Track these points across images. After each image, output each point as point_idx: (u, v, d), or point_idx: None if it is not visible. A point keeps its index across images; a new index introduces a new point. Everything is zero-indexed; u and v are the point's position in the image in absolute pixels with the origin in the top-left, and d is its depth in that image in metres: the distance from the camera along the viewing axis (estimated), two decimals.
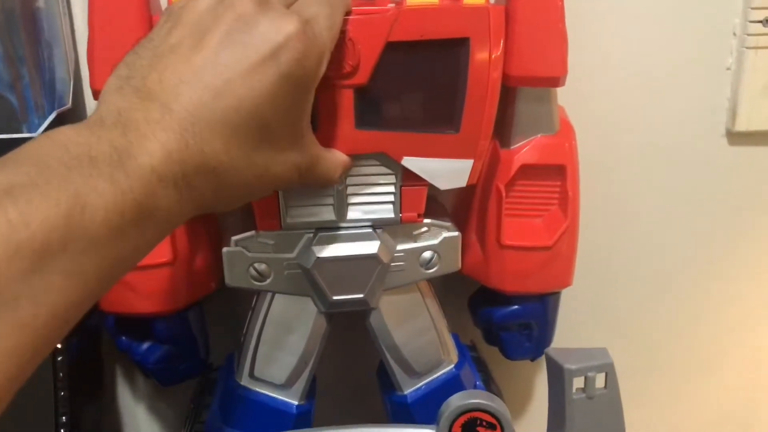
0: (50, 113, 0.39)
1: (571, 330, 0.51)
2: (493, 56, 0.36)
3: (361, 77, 0.34)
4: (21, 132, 0.39)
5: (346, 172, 0.36)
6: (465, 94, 0.36)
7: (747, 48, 0.47)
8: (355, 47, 0.34)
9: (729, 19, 0.47)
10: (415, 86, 0.36)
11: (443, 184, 0.38)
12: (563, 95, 0.41)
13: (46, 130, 0.39)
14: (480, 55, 0.36)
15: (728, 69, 0.48)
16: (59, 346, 0.39)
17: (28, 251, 0.21)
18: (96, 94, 0.37)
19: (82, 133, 0.25)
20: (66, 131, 0.25)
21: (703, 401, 0.56)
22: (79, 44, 0.43)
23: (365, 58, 0.34)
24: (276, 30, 0.27)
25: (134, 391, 0.51)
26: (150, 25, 0.36)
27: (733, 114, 0.49)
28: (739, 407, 0.57)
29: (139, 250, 0.26)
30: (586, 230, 0.46)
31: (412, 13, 0.35)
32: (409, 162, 0.37)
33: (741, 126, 0.49)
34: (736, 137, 0.49)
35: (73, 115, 0.42)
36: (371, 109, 0.36)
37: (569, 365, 0.37)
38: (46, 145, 0.24)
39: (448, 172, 0.38)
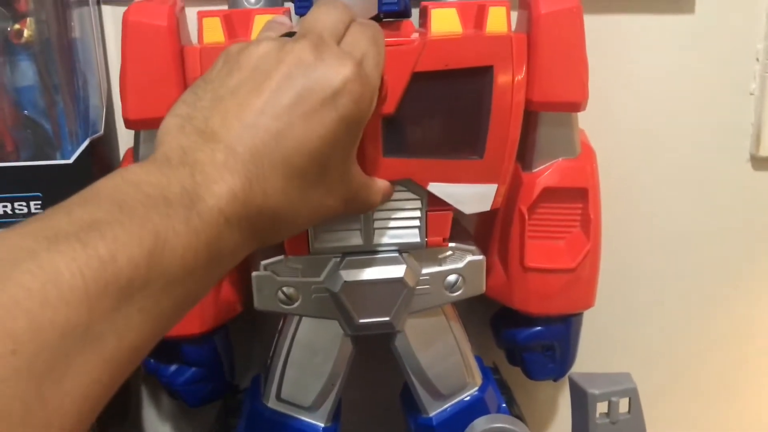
0: (83, 140, 0.41)
1: (595, 353, 0.51)
2: (516, 83, 0.37)
3: (389, 107, 0.35)
4: (55, 158, 0.40)
5: (387, 198, 0.37)
6: (489, 121, 0.37)
7: None
8: (382, 78, 0.35)
9: (752, 45, 0.48)
10: (440, 114, 0.37)
11: (468, 209, 0.38)
12: (587, 119, 0.42)
13: (79, 156, 0.40)
14: (503, 82, 0.36)
15: (752, 94, 0.48)
16: None
17: (114, 288, 0.22)
18: (128, 123, 0.38)
19: (152, 173, 0.26)
20: (136, 170, 0.26)
21: (728, 426, 0.56)
22: (112, 73, 0.44)
23: (392, 89, 0.35)
24: (334, 74, 0.28)
25: (159, 413, 0.52)
26: (180, 56, 0.37)
27: (757, 139, 0.49)
28: None
29: (207, 287, 0.27)
30: (610, 253, 0.47)
31: (437, 44, 0.35)
32: (435, 188, 0.38)
33: (765, 151, 0.49)
34: (760, 162, 0.50)
35: (105, 142, 0.43)
36: (398, 137, 0.36)
37: (593, 390, 0.37)
38: (121, 184, 0.25)
39: (472, 197, 0.38)
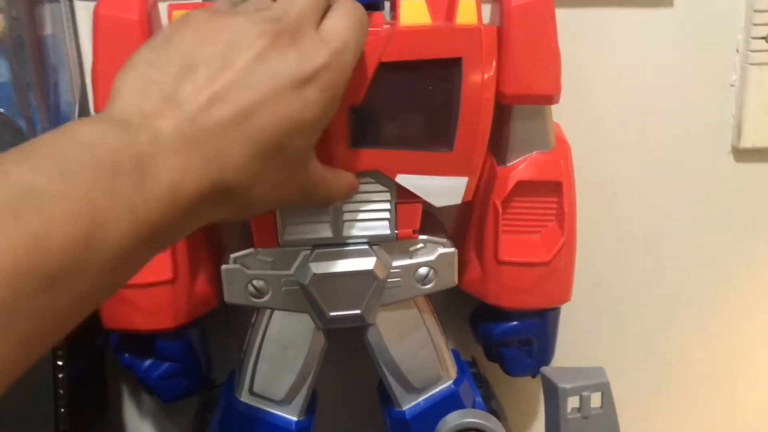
0: None
1: (576, 348, 0.51)
2: (485, 75, 0.37)
3: (355, 97, 0.35)
4: None
5: (352, 192, 0.36)
6: (458, 113, 0.37)
7: (750, 64, 0.47)
8: None
9: (732, 36, 0.47)
10: (408, 105, 0.37)
11: (438, 201, 0.38)
12: (565, 113, 0.42)
13: None
14: (472, 74, 0.36)
15: (732, 85, 0.48)
16: (60, 363, 0.40)
17: (44, 269, 0.21)
18: None
19: (106, 134, 0.24)
20: (88, 129, 0.24)
21: (714, 421, 0.55)
22: (86, 69, 0.45)
23: (358, 79, 0.35)
24: (307, 60, 0.28)
25: (140, 409, 0.52)
26: None
27: (738, 131, 0.48)
28: (753, 428, 0.56)
29: (142, 265, 0.26)
30: (590, 248, 0.47)
31: (404, 34, 0.35)
32: (403, 179, 0.37)
33: (747, 143, 0.48)
34: (742, 154, 0.49)
35: None
36: (365, 128, 0.36)
37: (563, 384, 0.37)
38: (70, 145, 0.23)
39: (442, 190, 0.38)
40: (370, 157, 0.37)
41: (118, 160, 0.24)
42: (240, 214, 0.29)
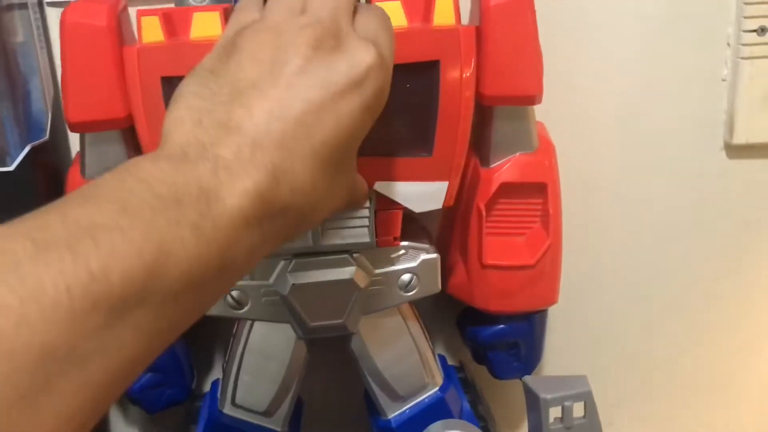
0: (25, 147, 0.40)
1: (566, 350, 0.50)
2: (464, 77, 0.36)
3: None
4: (3, 165, 0.39)
5: (368, 193, 0.35)
6: (437, 116, 0.36)
7: (742, 58, 0.46)
8: None
9: (722, 29, 0.46)
10: (385, 111, 0.36)
11: (418, 207, 0.38)
12: (549, 110, 0.41)
13: (20, 163, 0.39)
14: (451, 77, 0.36)
15: (724, 80, 0.47)
16: None
17: (105, 305, 0.20)
18: (71, 126, 0.38)
19: (165, 169, 0.23)
20: (146, 166, 0.23)
21: (707, 426, 0.55)
22: (59, 77, 0.44)
23: None
24: (357, 62, 0.27)
25: (126, 419, 0.51)
26: (121, 56, 0.36)
27: (730, 126, 0.48)
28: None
29: (215, 297, 0.25)
30: (579, 248, 0.46)
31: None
32: (382, 187, 0.37)
33: (739, 139, 0.47)
34: (734, 150, 0.48)
35: (51, 147, 0.42)
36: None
37: (545, 395, 0.36)
38: (128, 181, 0.23)
39: (422, 195, 0.37)
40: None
41: (180, 192, 0.23)
42: (304, 230, 0.28)
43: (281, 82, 0.26)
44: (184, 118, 0.26)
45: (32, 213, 0.21)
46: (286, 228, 0.26)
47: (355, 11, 0.30)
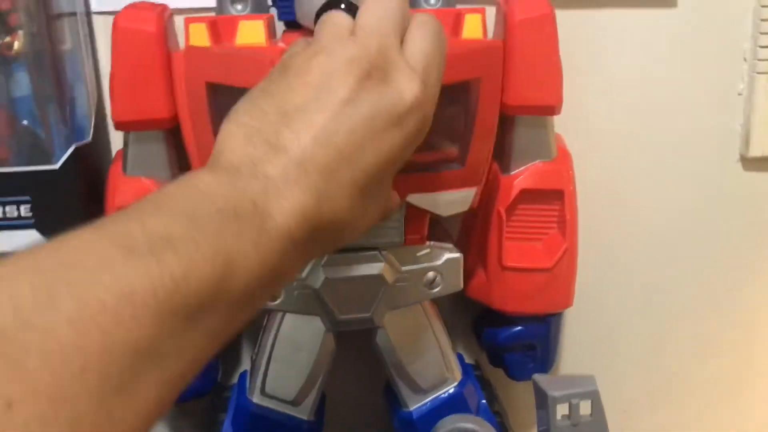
0: (70, 147, 0.42)
1: (580, 353, 0.51)
2: (497, 91, 0.38)
3: None
4: (48, 164, 0.42)
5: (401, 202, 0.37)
6: (473, 132, 0.38)
7: (758, 73, 0.47)
8: None
9: (738, 43, 0.47)
10: None
11: (446, 212, 0.40)
12: (566, 121, 0.43)
13: (65, 162, 0.41)
14: (489, 92, 0.37)
15: (740, 94, 0.48)
16: None
17: (183, 310, 0.22)
18: (117, 125, 0.40)
19: (223, 183, 0.25)
20: (206, 179, 0.25)
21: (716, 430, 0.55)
22: (103, 82, 0.46)
23: None
24: (402, 96, 0.28)
25: None
26: (168, 60, 0.39)
27: (746, 140, 0.48)
28: None
29: (263, 304, 0.27)
30: (595, 255, 0.47)
31: None
32: (414, 198, 0.38)
33: (755, 151, 0.48)
34: (750, 163, 0.49)
35: (93, 148, 0.44)
36: None
37: (553, 392, 0.38)
38: (193, 194, 0.25)
39: (451, 202, 0.39)
40: None
41: (237, 207, 0.24)
42: (339, 246, 0.30)
43: (327, 109, 0.27)
44: (236, 135, 0.27)
45: (109, 218, 0.23)
46: (323, 245, 0.28)
47: (409, 24, 0.30)
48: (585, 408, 0.39)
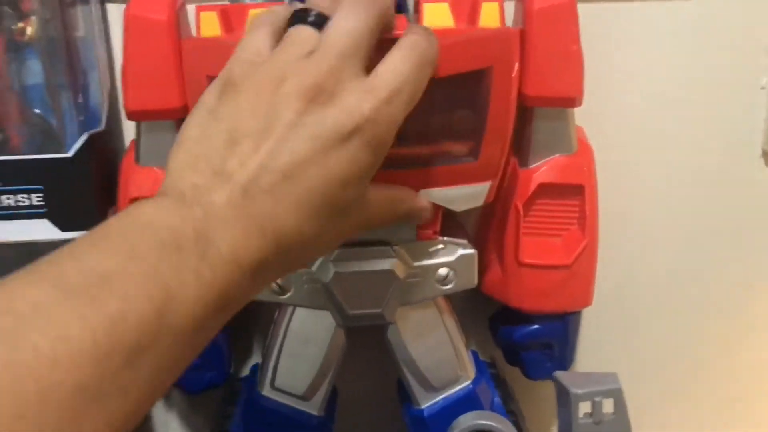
0: (83, 135, 0.42)
1: (597, 352, 0.50)
2: (512, 80, 0.36)
3: None
4: (60, 152, 0.41)
5: (421, 211, 0.36)
6: (485, 123, 0.36)
7: None
8: None
9: (762, 36, 0.46)
10: (432, 123, 0.36)
11: (459, 207, 0.38)
12: (585, 114, 0.42)
13: (78, 150, 0.41)
14: (502, 82, 0.36)
15: (763, 88, 0.47)
16: None
17: (123, 348, 0.22)
18: (129, 114, 0.39)
19: (165, 213, 0.25)
20: (148, 210, 0.25)
21: (736, 430, 0.54)
22: (117, 70, 0.46)
23: None
24: (347, 117, 0.27)
25: (165, 399, 0.53)
26: (179, 49, 0.38)
27: None
28: None
29: (213, 335, 0.26)
30: (612, 251, 0.46)
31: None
32: (426, 193, 0.37)
33: None
34: None
35: (107, 136, 0.44)
36: (394, 167, 0.33)
37: (575, 389, 0.37)
38: (133, 226, 0.25)
39: (465, 196, 0.38)
40: (390, 178, 0.33)
41: (179, 237, 0.24)
42: (304, 264, 0.31)
43: (273, 134, 0.27)
44: (183, 162, 0.28)
45: (47, 259, 0.23)
46: (276, 269, 0.28)
47: (397, 42, 0.30)
48: (607, 406, 0.38)
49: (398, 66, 0.29)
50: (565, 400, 0.37)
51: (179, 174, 0.27)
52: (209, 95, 0.29)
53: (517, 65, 0.37)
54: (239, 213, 0.26)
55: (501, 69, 0.36)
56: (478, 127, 0.37)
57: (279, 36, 0.30)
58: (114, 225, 0.25)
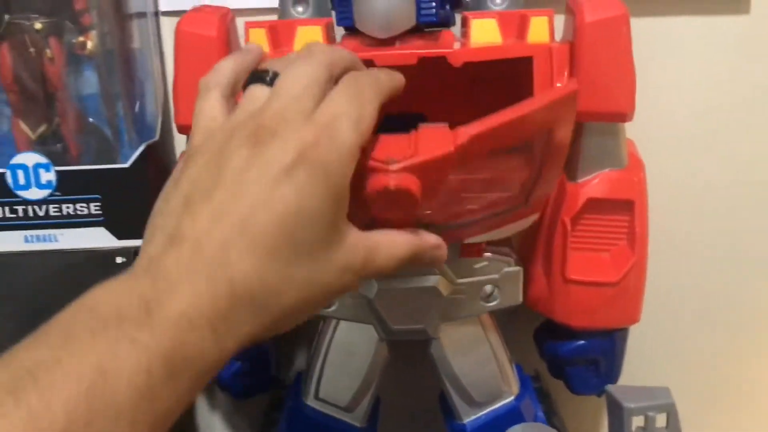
0: (140, 145, 0.43)
1: (643, 367, 0.50)
2: (569, 134, 0.35)
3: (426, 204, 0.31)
4: (115, 163, 0.43)
5: (435, 253, 0.32)
6: (539, 177, 0.35)
7: None
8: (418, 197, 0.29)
9: None
10: (486, 187, 0.35)
11: (506, 234, 0.39)
12: (635, 128, 0.41)
13: (135, 161, 0.42)
14: (560, 139, 0.34)
15: None
16: None
17: None
18: (180, 128, 0.40)
19: (114, 289, 0.25)
20: (97, 292, 0.25)
21: None
22: (169, 81, 0.47)
23: (427, 189, 0.30)
24: (288, 145, 0.26)
25: (211, 403, 0.54)
26: None
27: None
28: None
29: (180, 399, 0.24)
30: (661, 266, 0.45)
31: (481, 136, 0.30)
32: (474, 238, 0.37)
33: None
34: None
35: (160, 147, 0.45)
36: (433, 226, 0.32)
37: (629, 404, 0.36)
38: (76, 311, 0.24)
39: (513, 228, 0.38)
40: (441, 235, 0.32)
41: (121, 309, 0.24)
42: (291, 319, 0.27)
43: (225, 184, 0.26)
44: (147, 237, 0.27)
45: None
46: (245, 320, 0.25)
47: (338, 83, 0.29)
48: (660, 421, 0.37)
49: (334, 95, 0.28)
50: (617, 414, 0.36)
51: (142, 251, 0.27)
52: (176, 168, 0.29)
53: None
54: (189, 269, 0.25)
55: (560, 129, 0.34)
56: (532, 181, 0.36)
57: (230, 95, 0.31)
58: (60, 316, 0.24)
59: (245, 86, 0.30)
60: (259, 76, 0.29)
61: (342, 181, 0.27)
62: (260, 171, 0.26)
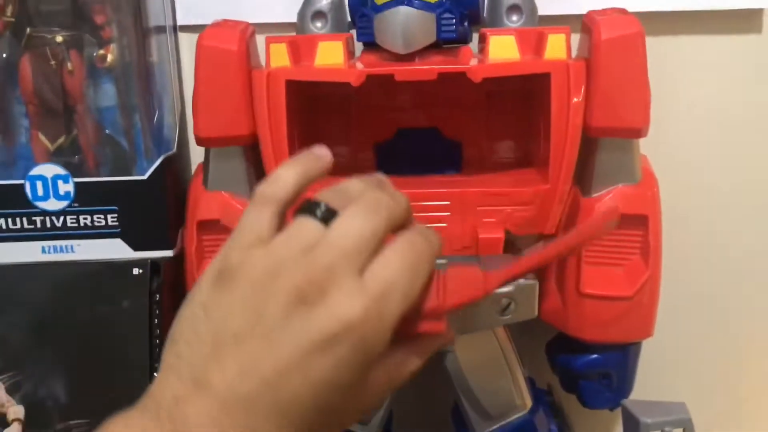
0: (158, 157, 0.43)
1: (656, 381, 0.50)
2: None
3: None
4: (130, 174, 0.43)
5: (436, 349, 0.32)
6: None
7: None
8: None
9: None
10: None
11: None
12: (648, 145, 0.41)
13: (153, 172, 0.43)
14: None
15: None
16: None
17: None
18: (199, 140, 0.41)
19: (136, 426, 0.25)
20: (117, 428, 0.25)
21: None
22: (186, 95, 0.47)
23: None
24: (335, 316, 0.25)
25: None
26: (249, 79, 0.39)
27: None
28: None
29: None
30: (674, 281, 0.45)
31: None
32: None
33: None
34: None
35: (177, 159, 0.45)
36: None
37: (645, 419, 0.37)
38: None
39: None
40: None
41: None
42: None
43: (258, 337, 0.25)
44: (171, 366, 0.26)
45: None
46: None
47: (397, 237, 0.28)
48: None
49: (389, 261, 0.27)
50: (633, 429, 0.36)
51: (165, 380, 0.26)
52: (205, 281, 0.27)
53: (582, 93, 0.37)
54: (212, 425, 0.24)
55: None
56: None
57: (283, 215, 0.28)
58: None
59: (295, 214, 0.28)
60: (311, 206, 0.27)
61: (380, 350, 0.26)
62: (301, 332, 0.25)
